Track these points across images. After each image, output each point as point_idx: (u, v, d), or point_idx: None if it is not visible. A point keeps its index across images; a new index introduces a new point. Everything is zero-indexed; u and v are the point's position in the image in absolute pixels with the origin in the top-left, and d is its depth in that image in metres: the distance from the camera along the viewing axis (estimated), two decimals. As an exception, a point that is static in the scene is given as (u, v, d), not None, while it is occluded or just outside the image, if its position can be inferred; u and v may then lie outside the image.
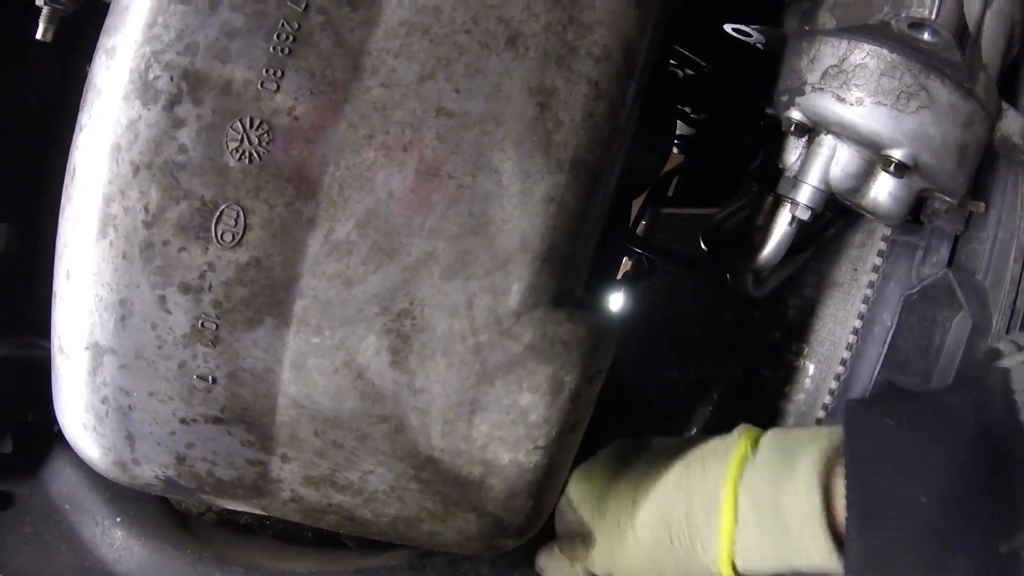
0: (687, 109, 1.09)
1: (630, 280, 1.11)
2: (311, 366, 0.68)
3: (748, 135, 1.03)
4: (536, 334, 0.68)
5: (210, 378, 0.68)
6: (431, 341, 0.67)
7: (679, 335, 0.92)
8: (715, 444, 0.82)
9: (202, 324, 0.67)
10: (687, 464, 0.82)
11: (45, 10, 0.89)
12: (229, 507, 0.76)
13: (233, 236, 0.65)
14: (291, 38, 0.65)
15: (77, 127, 0.70)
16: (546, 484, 0.73)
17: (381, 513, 0.73)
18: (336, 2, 0.65)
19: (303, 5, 0.65)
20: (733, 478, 0.77)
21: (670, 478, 0.82)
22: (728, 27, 0.87)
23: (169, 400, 0.69)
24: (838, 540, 0.70)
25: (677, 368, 1.02)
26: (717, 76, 1.01)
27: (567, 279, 0.69)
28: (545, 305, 0.68)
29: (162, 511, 0.92)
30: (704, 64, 1.00)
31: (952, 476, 0.66)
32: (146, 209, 0.65)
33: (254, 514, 0.93)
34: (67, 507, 0.92)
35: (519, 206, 0.67)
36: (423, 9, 0.65)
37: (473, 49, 0.66)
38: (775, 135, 0.90)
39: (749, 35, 0.88)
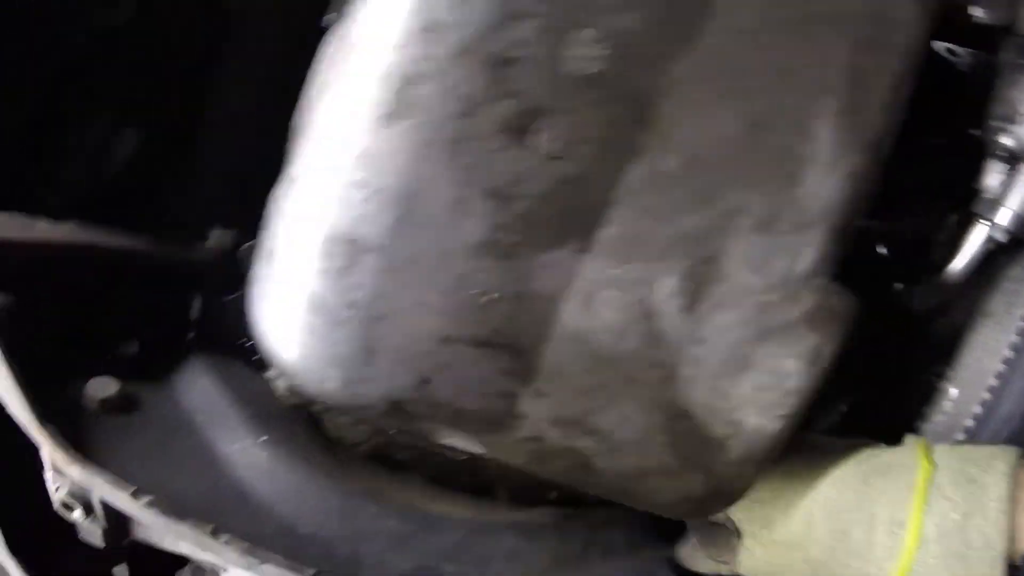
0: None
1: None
2: (602, 299, 0.65)
3: (917, 150, 1.08)
4: (815, 302, 0.68)
5: (492, 295, 0.64)
6: (726, 292, 0.66)
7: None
8: (891, 458, 0.83)
9: (499, 235, 0.62)
10: (865, 478, 0.83)
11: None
12: (446, 441, 0.71)
13: (557, 147, 0.62)
14: (649, -39, 0.62)
15: None
16: (773, 453, 0.73)
17: (616, 464, 0.70)
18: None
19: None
20: (922, 500, 0.78)
21: (850, 494, 0.82)
22: (942, 46, 0.91)
23: (436, 314, 0.64)
24: (1012, 566, 0.74)
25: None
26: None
27: (844, 253, 0.70)
28: (827, 275, 0.69)
29: (311, 435, 0.84)
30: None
31: None
32: (466, 99, 0.61)
33: (413, 450, 0.88)
34: (201, 420, 0.83)
35: (827, 175, 0.67)
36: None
37: (806, 18, 0.65)
38: (952, 154, 0.94)
39: (957, 55, 0.92)
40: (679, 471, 0.72)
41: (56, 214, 0.88)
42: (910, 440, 0.84)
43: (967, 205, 0.91)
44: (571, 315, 0.65)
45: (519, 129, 0.60)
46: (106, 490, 0.75)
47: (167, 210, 0.94)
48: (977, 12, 0.86)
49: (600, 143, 0.62)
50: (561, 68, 0.61)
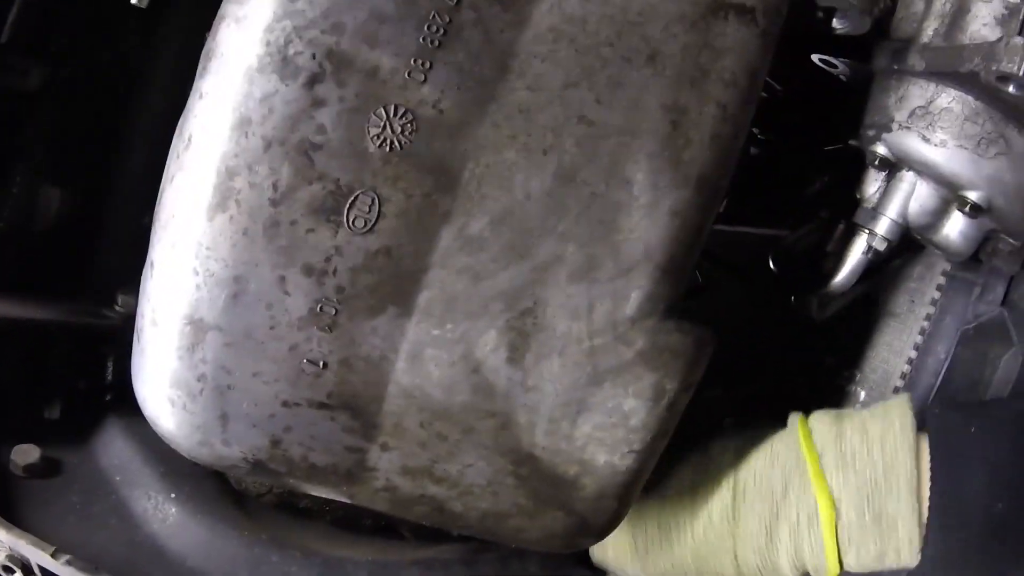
0: (755, 130, 1.12)
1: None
2: (428, 357, 0.68)
3: (810, 161, 1.07)
4: (648, 341, 0.70)
5: (321, 363, 0.68)
6: (549, 341, 0.68)
7: (726, 354, 0.95)
8: (786, 446, 0.83)
9: (321, 308, 0.66)
10: (768, 475, 0.83)
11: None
12: (313, 493, 0.75)
13: (366, 222, 0.65)
14: (442, 31, 0.65)
15: (195, 94, 0.68)
16: (632, 487, 0.75)
17: (473, 507, 0.74)
18: (488, 0, 0.65)
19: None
20: (823, 481, 0.78)
21: (759, 506, 0.83)
22: (816, 58, 0.90)
23: (274, 382, 0.68)
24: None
25: (723, 387, 1.06)
26: (789, 101, 1.05)
27: (678, 290, 0.71)
28: (659, 314, 0.70)
29: (218, 489, 0.90)
30: (778, 87, 1.04)
31: None
32: (275, 187, 0.65)
33: (313, 498, 0.92)
34: (118, 479, 0.89)
35: (646, 217, 0.68)
36: (571, 19, 0.66)
37: (616, 62, 0.67)
38: (841, 164, 0.93)
39: (835, 67, 0.91)
40: (536, 511, 0.75)
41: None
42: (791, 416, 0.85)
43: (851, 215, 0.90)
44: (402, 375, 0.68)
45: (331, 209, 0.64)
46: (29, 551, 0.82)
47: (80, 273, 1.00)
48: (837, 24, 0.85)
49: (407, 214, 0.65)
50: (363, 148, 0.64)
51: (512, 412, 0.70)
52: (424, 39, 0.64)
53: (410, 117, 0.65)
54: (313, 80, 0.64)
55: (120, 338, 0.98)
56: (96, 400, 0.95)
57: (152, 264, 0.73)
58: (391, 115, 0.64)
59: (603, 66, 0.67)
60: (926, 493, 0.72)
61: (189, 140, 0.68)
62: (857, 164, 0.90)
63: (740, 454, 0.86)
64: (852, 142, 0.90)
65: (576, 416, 0.71)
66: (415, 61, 0.64)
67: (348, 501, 0.75)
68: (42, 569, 0.87)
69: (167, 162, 0.78)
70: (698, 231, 0.71)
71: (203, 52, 0.69)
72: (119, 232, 1.01)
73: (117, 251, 1.00)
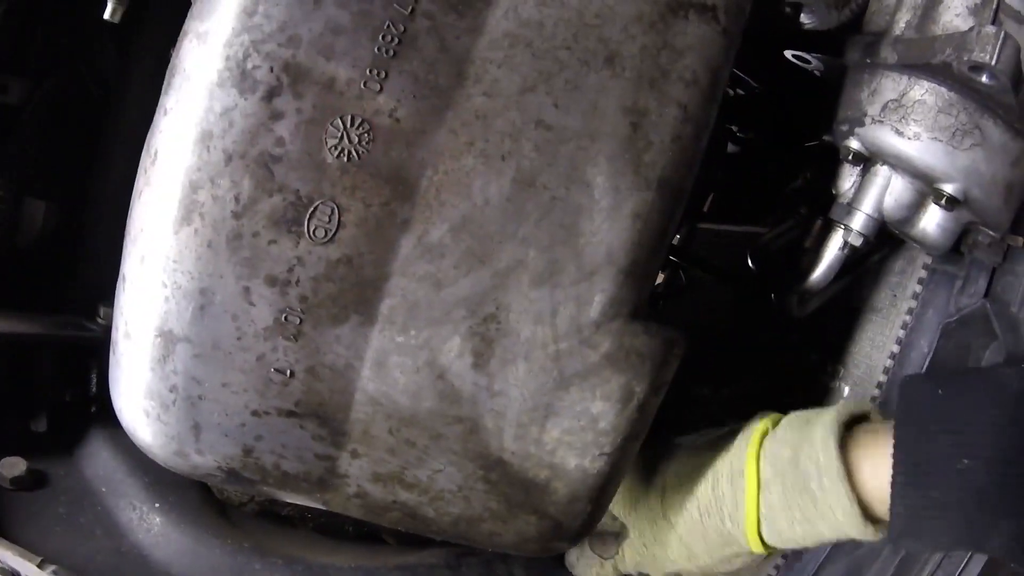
0: (734, 127, 1.11)
1: (664, 294, 1.14)
2: (393, 364, 0.68)
3: (791, 157, 1.06)
4: (614, 344, 0.70)
5: (288, 372, 0.68)
6: (513, 346, 0.69)
7: (712, 353, 0.95)
8: (737, 428, 0.86)
9: (285, 318, 0.67)
10: (712, 446, 0.85)
11: (116, -10, 0.87)
12: (288, 500, 0.76)
13: (326, 232, 0.65)
14: (396, 40, 0.65)
15: (160, 110, 0.69)
16: (605, 489, 0.75)
17: (445, 512, 0.74)
18: (442, 8, 0.65)
19: (409, 8, 0.65)
20: (756, 447, 0.80)
21: (696, 461, 0.85)
22: (789, 53, 0.90)
23: (243, 392, 0.69)
24: (863, 507, 0.74)
25: (709, 385, 1.05)
26: (767, 98, 1.04)
27: (643, 292, 0.71)
28: (624, 317, 0.70)
29: (202, 499, 0.91)
30: (755, 85, 1.03)
31: (998, 441, 0.70)
32: (236, 199, 0.65)
33: (295, 506, 0.93)
34: (103, 490, 0.91)
35: (608, 220, 0.68)
36: (527, 23, 0.66)
37: (573, 66, 0.67)
38: (820, 160, 0.93)
39: (808, 62, 0.90)
40: (509, 515, 0.75)
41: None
42: (759, 413, 0.86)
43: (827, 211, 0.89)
44: (368, 382, 0.69)
45: (292, 220, 0.65)
46: (16, 562, 0.84)
47: (64, 285, 1.02)
48: (804, 19, 0.85)
49: (366, 223, 0.65)
50: (322, 159, 0.64)
51: (479, 417, 0.70)
52: (379, 49, 0.65)
53: (367, 127, 0.65)
54: (271, 93, 0.64)
55: (103, 350, 0.99)
56: (81, 412, 0.97)
57: (124, 278, 0.74)
58: (348, 125, 0.65)
59: (560, 70, 0.67)
60: (867, 478, 0.73)
61: (155, 155, 0.69)
62: (833, 160, 0.89)
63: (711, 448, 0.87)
64: (826, 138, 0.89)
65: (544, 420, 0.71)
66: (371, 71, 0.65)
67: (323, 508, 0.76)
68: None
69: (136, 177, 0.79)
70: (661, 233, 0.71)
71: (168, 68, 0.70)
72: (100, 245, 1.02)
73: (98, 264, 1.01)
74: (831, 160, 0.90)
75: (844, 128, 0.86)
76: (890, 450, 0.71)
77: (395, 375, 0.69)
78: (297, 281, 0.66)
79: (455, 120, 0.66)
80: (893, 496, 0.71)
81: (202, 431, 0.71)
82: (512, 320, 0.68)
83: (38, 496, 0.90)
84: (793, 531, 0.78)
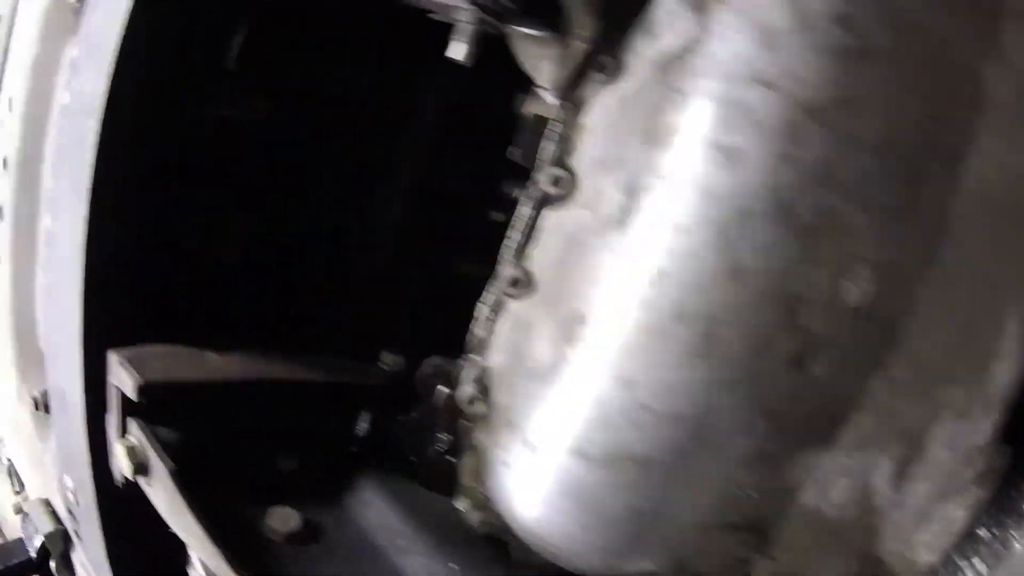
0: None
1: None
2: (834, 483, 0.73)
3: None
4: (986, 464, 0.79)
5: (752, 493, 0.70)
6: (926, 468, 0.76)
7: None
8: None
9: (766, 446, 0.69)
10: None
11: (470, 30, 0.75)
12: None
13: (824, 371, 0.67)
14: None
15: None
16: None
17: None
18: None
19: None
20: None
21: None
22: None
23: (704, 511, 0.71)
24: None
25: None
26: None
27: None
28: (997, 441, 0.79)
29: (497, 558, 0.88)
30: None
31: None
32: (761, 337, 0.66)
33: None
34: (384, 544, 0.84)
35: (1010, 363, 0.77)
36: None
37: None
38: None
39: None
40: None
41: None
42: None
43: None
44: (808, 499, 0.73)
45: (799, 358, 0.66)
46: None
47: (322, 326, 0.91)
48: None
49: (856, 364, 0.69)
50: (838, 302, 0.65)
51: (881, 525, 0.77)
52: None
53: (877, 275, 0.67)
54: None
55: (380, 396, 0.91)
56: (342, 454, 0.88)
57: (594, 398, 0.71)
58: (865, 273, 0.66)
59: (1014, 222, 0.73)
60: None
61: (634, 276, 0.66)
62: None
63: None
64: None
65: (922, 525, 0.79)
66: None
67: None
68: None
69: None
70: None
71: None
72: (366, 287, 0.92)
73: (369, 304, 0.91)
74: None
75: None
76: None
77: (833, 493, 0.74)
78: (789, 413, 0.68)
79: (938, 270, 0.70)
80: None
81: (640, 541, 0.72)
82: (931, 447, 0.75)
83: (316, 549, 0.82)
84: None
